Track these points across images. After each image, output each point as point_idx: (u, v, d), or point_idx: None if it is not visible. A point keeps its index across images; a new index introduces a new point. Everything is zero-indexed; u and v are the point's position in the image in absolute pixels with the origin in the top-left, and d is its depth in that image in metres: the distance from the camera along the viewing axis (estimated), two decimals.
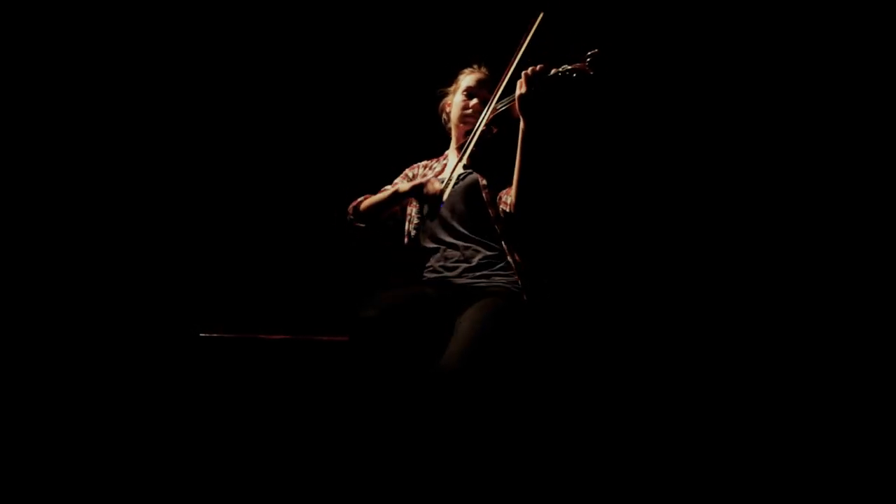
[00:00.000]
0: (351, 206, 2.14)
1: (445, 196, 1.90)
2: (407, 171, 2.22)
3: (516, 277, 1.90)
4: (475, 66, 2.15)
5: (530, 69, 1.81)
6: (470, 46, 2.22)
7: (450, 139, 2.18)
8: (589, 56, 1.80)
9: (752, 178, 2.42)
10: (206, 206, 2.67)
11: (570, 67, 1.80)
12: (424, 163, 2.22)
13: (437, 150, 2.24)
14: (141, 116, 2.65)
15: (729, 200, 2.43)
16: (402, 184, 2.08)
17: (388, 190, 2.09)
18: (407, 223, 2.11)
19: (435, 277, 1.97)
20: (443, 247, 1.98)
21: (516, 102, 1.82)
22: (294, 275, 2.63)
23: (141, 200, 2.62)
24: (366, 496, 1.77)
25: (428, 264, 2.01)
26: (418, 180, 2.01)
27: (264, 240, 2.67)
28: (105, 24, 2.60)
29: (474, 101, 2.07)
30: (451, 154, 2.14)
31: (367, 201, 2.11)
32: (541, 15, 1.86)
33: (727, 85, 2.45)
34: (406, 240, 2.08)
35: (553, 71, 1.81)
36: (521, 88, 1.81)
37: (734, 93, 2.45)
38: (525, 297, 1.88)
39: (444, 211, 1.99)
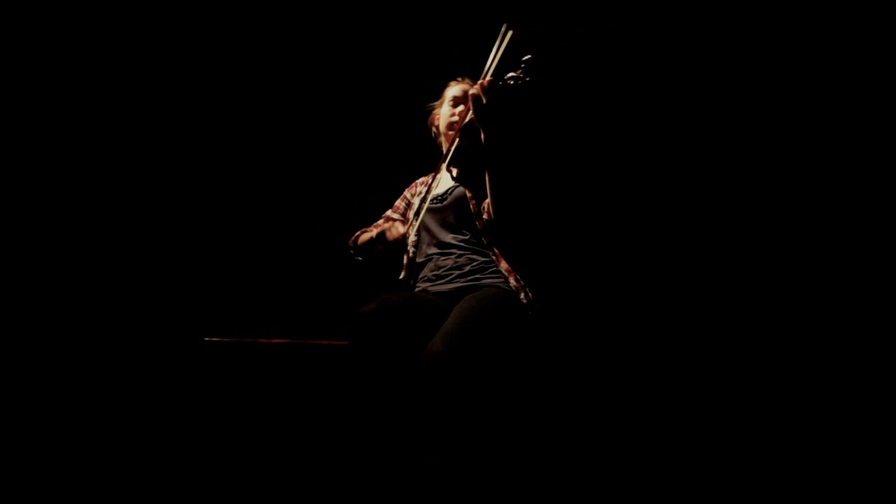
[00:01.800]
0: (350, 241, 2.19)
1: (411, 237, 2.01)
2: (406, 192, 2.27)
3: (506, 279, 1.95)
4: (459, 78, 2.22)
5: (479, 82, 1.89)
6: (470, 62, 2.26)
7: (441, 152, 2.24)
8: (523, 63, 1.88)
9: (729, 172, 2.45)
10: (212, 216, 2.71)
11: (510, 75, 1.89)
12: (422, 179, 2.27)
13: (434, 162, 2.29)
14: (149, 124, 2.68)
15: (714, 195, 2.45)
16: (380, 226, 2.12)
17: (372, 231, 2.12)
18: (409, 245, 2.14)
19: (430, 286, 2.02)
20: (435, 257, 2.04)
21: (473, 114, 1.90)
22: (296, 282, 2.68)
23: (149, 211, 2.65)
24: (362, 490, 1.81)
25: (422, 275, 2.07)
26: (385, 225, 2.06)
27: (268, 248, 2.71)
28: (105, 24, 2.63)
29: (460, 108, 2.14)
30: (443, 167, 2.16)
31: (361, 238, 2.15)
32: (510, 33, 1.92)
33: (692, 79, 2.49)
34: (405, 259, 2.14)
35: (499, 82, 1.89)
36: (474, 100, 1.89)
37: (697, 87, 2.48)
38: (517, 300, 1.92)
39: (435, 225, 2.06)
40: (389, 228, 2.00)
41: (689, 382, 2.30)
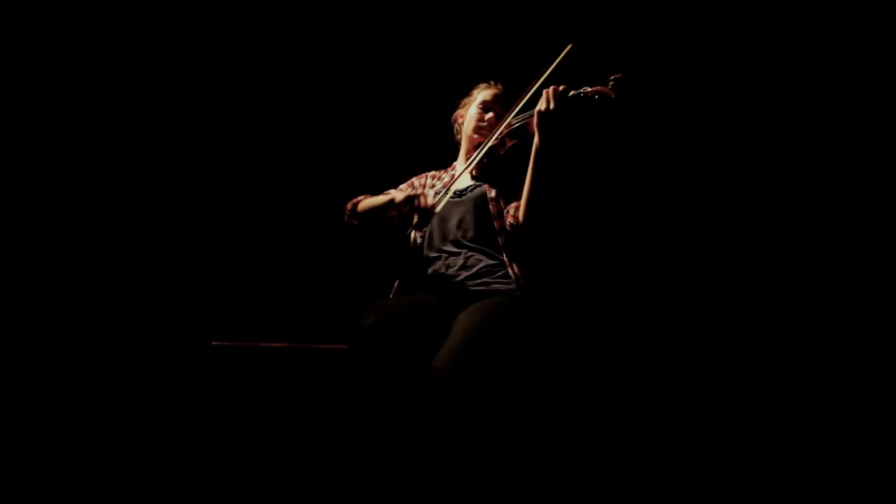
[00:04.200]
0: (349, 203, 2.17)
1: (438, 209, 1.95)
2: (413, 179, 2.24)
3: (515, 287, 1.91)
4: (491, 82, 2.20)
5: (552, 88, 1.85)
6: (481, 62, 2.29)
7: (457, 151, 2.23)
8: (612, 80, 1.85)
9: (762, 199, 2.43)
10: (218, 221, 2.73)
11: (592, 90, 1.85)
12: (432, 173, 2.24)
13: (444, 163, 2.27)
14: (156, 128, 2.69)
15: (735, 220, 2.44)
16: (397, 193, 2.08)
17: (387, 195, 2.10)
18: (413, 231, 2.11)
19: (436, 284, 1.99)
20: (445, 255, 2.00)
21: (535, 118, 1.86)
22: (301, 286, 2.69)
23: (156, 216, 2.67)
24: (365, 497, 1.81)
25: (430, 270, 2.03)
26: (413, 191, 2.04)
27: (274, 253, 2.73)
28: (105, 24, 2.64)
29: (490, 114, 2.13)
30: (460, 165, 2.15)
31: (365, 202, 2.13)
32: (570, 45, 1.91)
33: (741, 112, 2.46)
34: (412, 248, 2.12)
35: (574, 92, 1.85)
36: (541, 105, 1.85)
37: (750, 121, 2.45)
38: (523, 306, 1.89)
39: (451, 221, 2.02)
40: (420, 196, 1.93)
41: (709, 401, 2.25)
